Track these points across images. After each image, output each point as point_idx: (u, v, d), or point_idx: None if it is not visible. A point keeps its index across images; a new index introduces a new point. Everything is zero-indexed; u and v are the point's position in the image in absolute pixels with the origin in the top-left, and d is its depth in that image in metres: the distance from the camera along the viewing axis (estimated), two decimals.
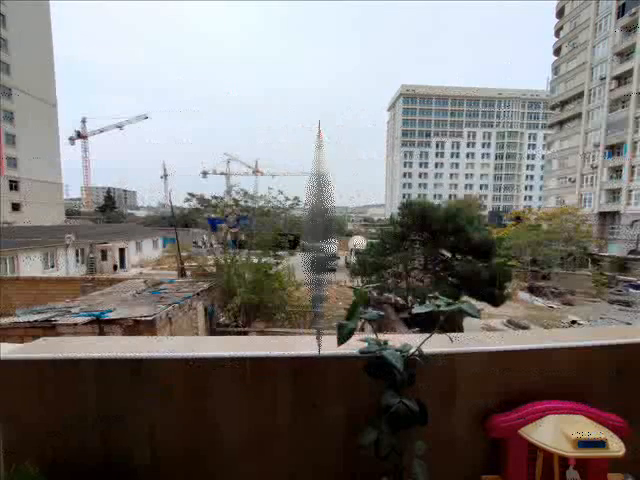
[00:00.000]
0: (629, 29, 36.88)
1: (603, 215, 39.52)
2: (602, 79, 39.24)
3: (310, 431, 1.60)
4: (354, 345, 1.52)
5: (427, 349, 1.51)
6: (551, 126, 49.87)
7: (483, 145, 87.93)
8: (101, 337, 5.76)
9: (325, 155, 1.39)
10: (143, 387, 1.53)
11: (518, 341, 1.75)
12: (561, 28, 47.02)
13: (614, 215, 38.49)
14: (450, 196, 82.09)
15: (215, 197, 16.04)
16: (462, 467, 1.64)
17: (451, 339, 1.66)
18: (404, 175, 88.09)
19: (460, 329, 12.24)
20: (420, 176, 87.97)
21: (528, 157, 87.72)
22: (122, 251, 28.50)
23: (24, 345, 1.72)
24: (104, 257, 27.48)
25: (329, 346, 1.59)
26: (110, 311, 7.12)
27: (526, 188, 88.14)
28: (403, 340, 1.62)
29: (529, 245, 24.80)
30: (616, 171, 38.32)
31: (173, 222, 19.81)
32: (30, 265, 21.81)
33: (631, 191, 36.19)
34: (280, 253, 15.25)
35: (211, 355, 1.57)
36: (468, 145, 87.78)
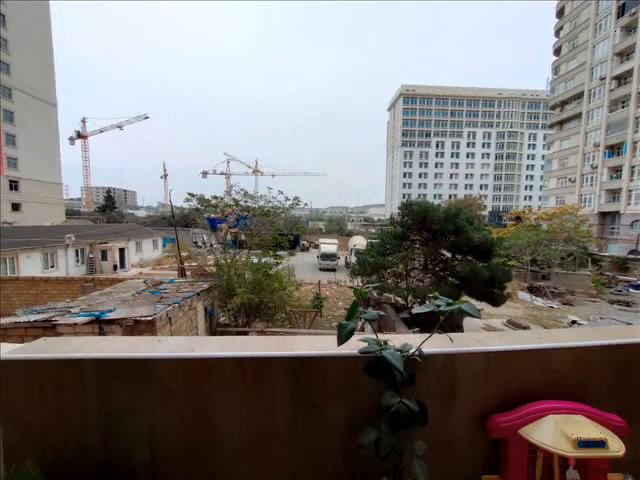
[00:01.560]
0: (629, 29, 36.88)
1: (603, 215, 39.53)
2: (602, 79, 39.24)
3: (310, 431, 1.60)
4: (354, 345, 1.52)
5: (427, 349, 1.52)
6: (551, 126, 49.87)
7: (483, 145, 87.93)
8: (101, 337, 5.75)
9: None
10: (143, 387, 1.53)
11: (518, 341, 1.75)
12: (561, 28, 47.03)
13: (614, 215, 38.50)
14: (450, 196, 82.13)
15: (215, 197, 16.03)
16: (462, 467, 1.64)
17: (451, 339, 1.65)
18: (404, 175, 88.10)
19: (460, 329, 12.24)
20: (420, 176, 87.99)
21: (528, 157, 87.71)
22: (122, 251, 28.50)
23: (24, 345, 1.71)
24: (104, 257, 27.49)
25: (329, 346, 1.59)
26: (110, 311, 7.12)
27: (526, 188, 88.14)
28: (403, 340, 1.62)
29: (529, 245, 24.79)
30: (616, 171, 38.33)
31: (173, 222, 19.81)
32: (30, 265, 21.82)
33: (631, 191, 36.19)
34: (280, 253, 15.27)
35: (211, 355, 1.56)
36: (468, 145, 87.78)
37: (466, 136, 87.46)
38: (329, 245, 34.80)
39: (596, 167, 39.82)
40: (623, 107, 37.36)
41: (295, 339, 1.84)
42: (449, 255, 13.38)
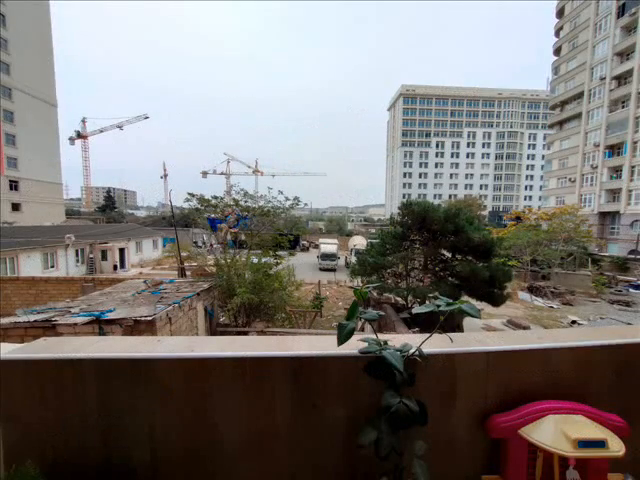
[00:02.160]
0: (629, 29, 36.88)
1: (603, 215, 39.53)
2: (602, 79, 39.24)
3: (310, 431, 1.60)
4: (354, 345, 1.52)
5: (427, 349, 1.52)
6: (551, 126, 49.86)
7: (483, 145, 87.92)
8: (101, 337, 5.76)
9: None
10: (143, 387, 1.53)
11: (518, 341, 1.75)
12: (561, 28, 47.03)
13: (614, 215, 38.50)
14: (450, 196, 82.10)
15: (215, 197, 16.02)
16: (462, 467, 1.64)
17: (451, 339, 1.65)
18: (404, 175, 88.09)
19: (460, 329, 12.24)
20: (420, 176, 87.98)
21: (528, 157, 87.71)
22: (122, 251, 28.50)
23: (24, 345, 1.71)
24: (104, 257, 27.49)
25: (329, 346, 1.59)
26: (110, 311, 7.12)
27: (526, 188, 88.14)
28: (403, 340, 1.62)
29: (529, 245, 24.78)
30: (616, 171, 38.33)
31: (173, 222, 19.81)
32: (30, 265, 21.81)
33: (631, 191, 36.19)
34: (280, 253, 15.26)
35: (211, 355, 1.56)
36: (468, 145, 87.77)
37: (466, 136, 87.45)
38: (329, 245, 34.78)
39: (596, 167, 39.81)
40: (623, 107, 37.35)
41: (295, 339, 1.84)
42: (449, 255, 13.37)
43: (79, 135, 79.75)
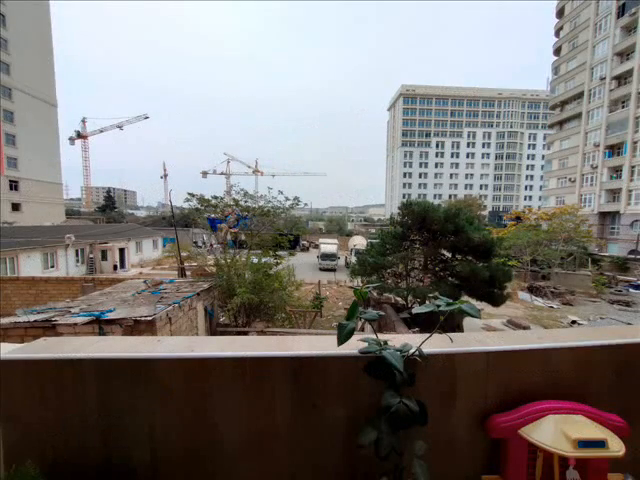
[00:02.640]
0: (629, 29, 36.88)
1: (603, 215, 39.52)
2: (602, 79, 39.23)
3: (310, 431, 1.60)
4: (354, 345, 1.52)
5: (427, 349, 1.52)
6: (551, 126, 49.85)
7: (483, 145, 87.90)
8: (101, 337, 5.75)
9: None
10: (143, 387, 1.53)
11: (518, 341, 1.75)
12: (561, 28, 47.03)
13: (614, 215, 38.49)
14: (450, 196, 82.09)
15: (215, 197, 16.01)
16: (462, 467, 1.64)
17: (451, 339, 1.65)
18: (404, 175, 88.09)
19: (460, 329, 12.24)
20: (420, 176, 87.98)
21: (528, 157, 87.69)
22: (122, 251, 28.50)
23: (24, 345, 1.71)
24: (104, 257, 27.48)
25: (329, 346, 1.59)
26: (110, 311, 7.12)
27: (526, 188, 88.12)
28: (403, 340, 1.62)
29: (529, 245, 24.78)
30: (616, 171, 38.33)
31: (173, 222, 19.81)
32: (30, 265, 21.81)
33: (631, 191, 36.18)
34: (280, 253, 15.26)
35: (211, 355, 1.56)
36: (468, 145, 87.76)
37: (466, 136, 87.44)
38: (329, 245, 34.78)
39: (596, 167, 39.81)
40: (623, 107, 37.35)
41: (295, 339, 1.84)
42: (449, 255, 13.37)
43: (79, 135, 79.72)
